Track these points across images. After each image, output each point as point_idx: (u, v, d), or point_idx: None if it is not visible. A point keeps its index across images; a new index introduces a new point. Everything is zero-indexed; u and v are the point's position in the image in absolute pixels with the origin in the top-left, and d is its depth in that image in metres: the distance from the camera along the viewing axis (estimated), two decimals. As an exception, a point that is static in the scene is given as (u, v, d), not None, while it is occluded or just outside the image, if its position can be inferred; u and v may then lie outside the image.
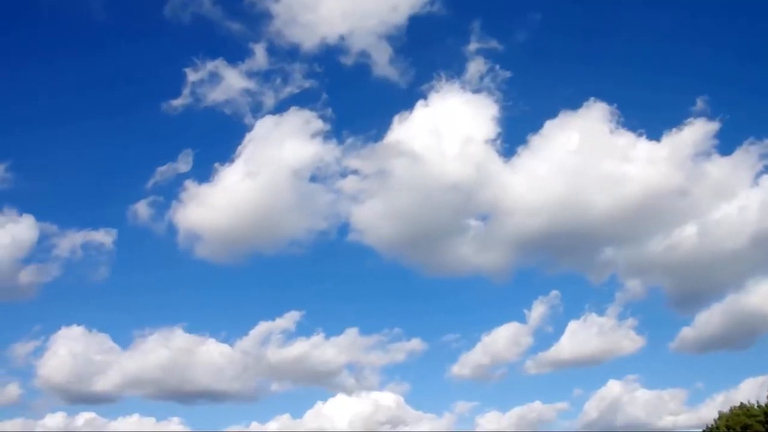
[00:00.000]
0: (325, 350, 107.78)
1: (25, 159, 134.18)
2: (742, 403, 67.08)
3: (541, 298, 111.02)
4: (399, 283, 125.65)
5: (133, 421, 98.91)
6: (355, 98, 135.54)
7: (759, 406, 65.08)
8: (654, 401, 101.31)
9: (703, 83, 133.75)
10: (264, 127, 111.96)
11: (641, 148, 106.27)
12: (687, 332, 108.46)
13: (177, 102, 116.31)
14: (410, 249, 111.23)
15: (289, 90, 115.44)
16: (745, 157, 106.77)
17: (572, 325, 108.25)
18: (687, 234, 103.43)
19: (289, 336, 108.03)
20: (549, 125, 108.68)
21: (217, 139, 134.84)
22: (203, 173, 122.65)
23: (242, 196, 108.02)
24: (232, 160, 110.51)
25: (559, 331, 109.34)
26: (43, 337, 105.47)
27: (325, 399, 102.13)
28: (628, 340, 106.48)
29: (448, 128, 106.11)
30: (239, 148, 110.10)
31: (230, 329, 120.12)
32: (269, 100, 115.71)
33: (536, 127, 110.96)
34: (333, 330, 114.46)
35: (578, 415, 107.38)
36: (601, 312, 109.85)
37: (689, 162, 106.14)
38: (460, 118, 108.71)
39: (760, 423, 62.53)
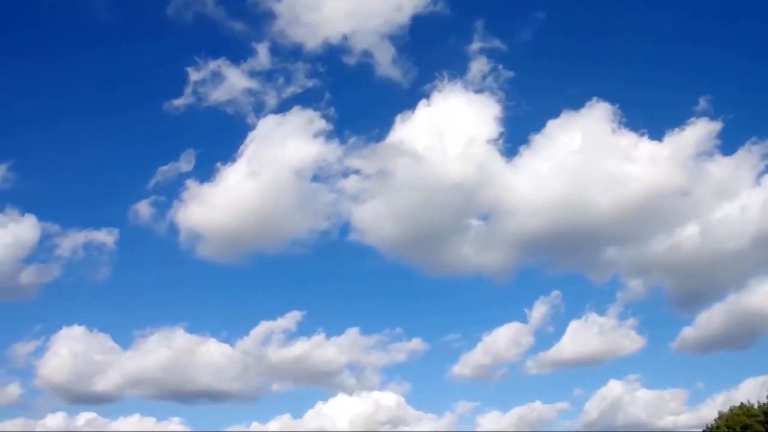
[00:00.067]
0: (326, 350, 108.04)
1: (27, 159, 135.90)
2: (742, 403, 66.87)
3: (542, 297, 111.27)
4: (400, 282, 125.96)
5: (134, 421, 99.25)
6: (358, 98, 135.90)
7: (759, 406, 64.96)
8: (655, 401, 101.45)
9: (706, 83, 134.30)
10: (266, 126, 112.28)
11: (643, 147, 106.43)
12: (688, 332, 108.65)
13: (179, 101, 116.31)
14: (412, 249, 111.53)
15: (291, 90, 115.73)
16: (747, 157, 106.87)
17: (573, 325, 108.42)
18: (689, 234, 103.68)
19: (290, 336, 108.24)
20: (551, 125, 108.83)
21: (219, 138, 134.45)
22: (205, 173, 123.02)
23: (244, 196, 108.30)
24: (233, 160, 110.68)
25: (560, 331, 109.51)
26: (43, 337, 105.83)
27: (325, 399, 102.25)
28: (629, 340, 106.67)
29: (450, 128, 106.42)
30: (241, 147, 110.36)
31: (231, 329, 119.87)
32: (272, 100, 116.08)
33: (538, 126, 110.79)
34: (334, 330, 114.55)
35: (579, 415, 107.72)
36: (602, 312, 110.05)
37: (691, 162, 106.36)
38: (462, 117, 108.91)
39: (760, 423, 62.40)
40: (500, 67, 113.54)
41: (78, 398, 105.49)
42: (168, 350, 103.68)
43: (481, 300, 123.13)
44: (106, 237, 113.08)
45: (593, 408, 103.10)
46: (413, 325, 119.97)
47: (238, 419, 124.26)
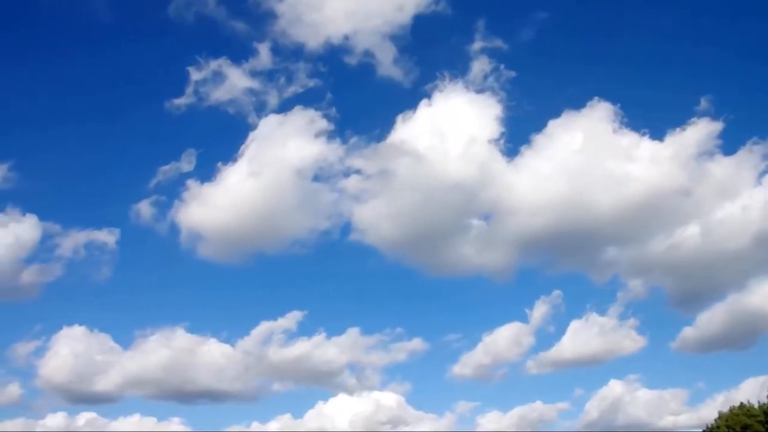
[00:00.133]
0: (327, 350, 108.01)
1: (28, 158, 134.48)
2: (741, 403, 66.89)
3: (543, 297, 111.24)
4: (401, 282, 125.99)
5: (134, 421, 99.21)
6: (359, 98, 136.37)
7: (759, 406, 64.86)
8: (655, 401, 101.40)
9: (707, 83, 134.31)
10: (268, 126, 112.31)
11: (644, 147, 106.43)
12: (688, 332, 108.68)
13: (180, 101, 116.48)
14: (412, 249, 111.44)
15: (293, 89, 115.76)
16: (749, 156, 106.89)
17: (574, 325, 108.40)
18: (689, 234, 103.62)
19: (291, 336, 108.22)
20: (552, 125, 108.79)
21: (220, 138, 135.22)
22: (206, 173, 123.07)
23: (245, 196, 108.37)
24: (234, 160, 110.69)
25: (561, 331, 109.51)
26: (44, 337, 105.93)
27: (326, 399, 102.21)
28: (630, 340, 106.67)
29: (451, 128, 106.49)
30: (242, 147, 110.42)
31: (232, 329, 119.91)
32: (273, 100, 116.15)
33: (540, 126, 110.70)
34: (335, 330, 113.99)
35: (579, 415, 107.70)
36: (602, 312, 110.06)
37: (692, 162, 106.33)
38: (463, 117, 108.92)
39: (759, 423, 62.36)
40: (502, 66, 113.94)
41: (78, 398, 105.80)
42: (168, 350, 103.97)
43: (482, 300, 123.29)
44: (107, 237, 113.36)
45: (594, 408, 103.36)
46: (414, 325, 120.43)
47: (238, 419, 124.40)
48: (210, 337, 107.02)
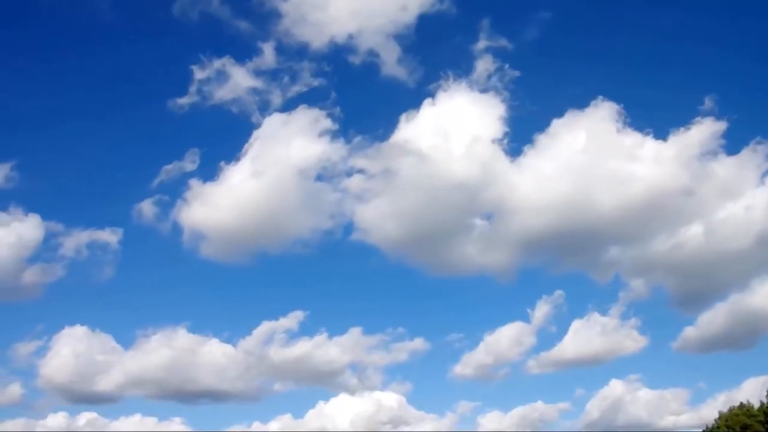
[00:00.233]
0: (328, 350, 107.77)
1: (31, 158, 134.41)
2: (741, 403, 66.72)
3: (545, 297, 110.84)
4: (403, 282, 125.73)
5: (135, 421, 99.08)
6: (363, 97, 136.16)
7: (760, 406, 64.62)
8: (656, 401, 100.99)
9: (711, 83, 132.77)
10: (271, 125, 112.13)
11: (648, 147, 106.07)
12: (690, 332, 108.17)
13: (183, 100, 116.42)
14: (415, 248, 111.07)
15: (297, 89, 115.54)
16: (752, 156, 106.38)
17: (575, 325, 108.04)
18: (692, 233, 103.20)
19: (293, 336, 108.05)
20: (556, 124, 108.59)
21: (224, 137, 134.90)
22: (209, 172, 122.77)
23: (248, 195, 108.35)
24: (237, 159, 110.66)
25: (563, 331, 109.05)
26: (45, 337, 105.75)
27: (327, 399, 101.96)
28: (631, 340, 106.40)
29: (454, 127, 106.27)
30: (245, 146, 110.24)
31: (233, 329, 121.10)
32: (277, 99, 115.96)
33: (543, 126, 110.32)
34: (336, 329, 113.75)
35: (580, 415, 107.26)
36: (604, 312, 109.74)
37: (695, 162, 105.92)
38: (467, 117, 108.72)
39: (759, 423, 62.15)
40: (506, 66, 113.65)
41: (79, 398, 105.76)
42: (170, 350, 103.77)
43: (484, 299, 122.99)
44: (109, 236, 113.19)
45: (594, 408, 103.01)
46: (416, 325, 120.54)
47: (239, 419, 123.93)
48: (211, 337, 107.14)
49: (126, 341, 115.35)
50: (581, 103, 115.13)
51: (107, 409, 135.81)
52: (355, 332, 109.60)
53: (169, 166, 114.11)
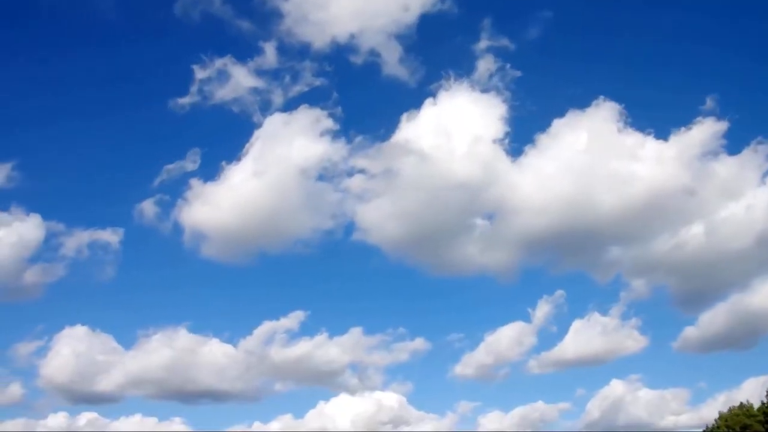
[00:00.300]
0: (329, 350, 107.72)
1: (32, 158, 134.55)
2: (741, 403, 66.65)
3: (545, 297, 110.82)
4: (404, 282, 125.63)
5: (135, 421, 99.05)
6: (365, 97, 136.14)
7: (759, 406, 64.55)
8: (656, 401, 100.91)
9: (712, 83, 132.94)
10: (273, 124, 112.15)
11: (649, 147, 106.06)
12: (690, 332, 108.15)
13: (184, 100, 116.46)
14: (416, 248, 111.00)
15: (298, 88, 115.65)
16: (753, 156, 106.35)
17: (576, 325, 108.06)
18: (693, 233, 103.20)
19: (293, 336, 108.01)
20: (557, 124, 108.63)
21: (225, 137, 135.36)
22: (210, 172, 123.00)
23: (249, 195, 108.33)
24: (239, 159, 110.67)
25: (563, 331, 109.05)
26: (46, 337, 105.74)
27: (327, 399, 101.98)
28: (632, 340, 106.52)
29: (456, 127, 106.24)
30: (246, 146, 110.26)
31: (234, 329, 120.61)
32: (278, 99, 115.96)
33: (544, 126, 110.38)
34: (337, 329, 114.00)
35: (580, 414, 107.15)
36: (604, 312, 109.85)
37: (696, 161, 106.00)
38: (468, 117, 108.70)
39: (759, 423, 62.10)
40: (508, 66, 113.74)
41: (80, 398, 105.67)
42: (170, 350, 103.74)
43: (485, 299, 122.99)
44: (111, 236, 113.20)
45: (595, 408, 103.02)
46: (416, 325, 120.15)
47: (239, 419, 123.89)
48: (212, 337, 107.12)
49: (127, 341, 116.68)
50: (582, 103, 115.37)
51: (108, 409, 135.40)
52: (355, 332, 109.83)
53: (170, 166, 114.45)
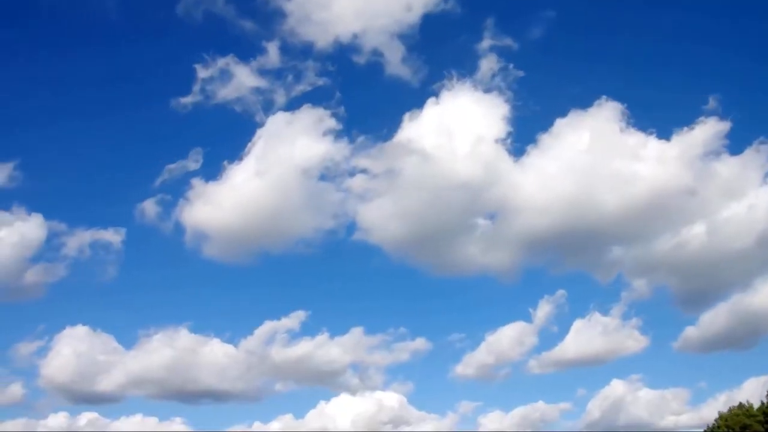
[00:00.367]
0: (330, 350, 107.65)
1: (34, 157, 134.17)
2: (741, 403, 66.45)
3: (547, 297, 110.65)
4: (405, 282, 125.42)
5: (136, 421, 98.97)
6: (367, 97, 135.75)
7: (759, 406, 64.41)
8: (657, 401, 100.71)
9: (715, 83, 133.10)
10: (275, 124, 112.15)
11: (651, 147, 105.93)
12: (691, 332, 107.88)
13: (187, 99, 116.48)
14: (417, 248, 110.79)
15: (301, 88, 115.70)
16: (755, 156, 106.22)
17: (577, 325, 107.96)
18: (695, 233, 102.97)
19: (294, 336, 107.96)
20: (559, 124, 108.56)
21: (227, 137, 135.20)
22: (212, 172, 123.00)
23: (250, 195, 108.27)
24: (241, 159, 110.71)
25: (564, 331, 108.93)
26: (47, 337, 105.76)
27: (328, 399, 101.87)
28: (632, 340, 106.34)
29: (458, 127, 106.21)
30: (249, 146, 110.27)
31: (235, 329, 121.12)
32: (281, 98, 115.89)
33: (546, 126, 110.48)
34: (338, 329, 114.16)
35: (581, 414, 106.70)
36: (605, 311, 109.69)
37: (699, 161, 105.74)
38: (470, 117, 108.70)
39: (759, 423, 61.94)
40: (510, 66, 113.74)
41: (80, 398, 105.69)
42: (171, 350, 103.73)
43: (486, 299, 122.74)
44: (112, 236, 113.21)
45: (595, 408, 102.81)
46: (417, 325, 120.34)
47: (240, 419, 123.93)
48: (213, 337, 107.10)
49: (127, 341, 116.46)
50: (585, 102, 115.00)
51: (108, 409, 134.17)
52: (356, 332, 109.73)
53: (172, 166, 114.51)
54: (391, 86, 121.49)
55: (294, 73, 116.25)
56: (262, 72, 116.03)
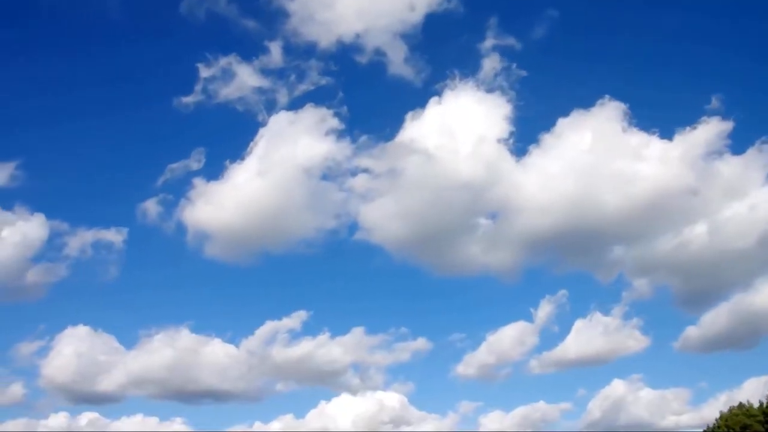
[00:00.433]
0: (331, 349, 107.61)
1: (36, 157, 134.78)
2: (741, 403, 66.35)
3: (548, 297, 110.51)
4: (407, 282, 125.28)
5: (137, 421, 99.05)
6: (370, 96, 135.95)
7: (759, 406, 64.29)
8: (657, 401, 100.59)
9: (717, 82, 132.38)
10: (278, 123, 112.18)
11: (653, 147, 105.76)
12: (692, 331, 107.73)
13: (189, 99, 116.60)
14: (419, 248, 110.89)
15: (304, 87, 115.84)
16: (757, 156, 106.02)
17: (578, 325, 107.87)
18: (697, 233, 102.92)
19: (295, 335, 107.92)
20: (561, 124, 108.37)
21: (229, 136, 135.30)
22: (214, 171, 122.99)
23: (252, 195, 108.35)
24: (243, 158, 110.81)
25: (565, 331, 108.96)
26: (48, 337, 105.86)
27: (329, 399, 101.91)
28: (633, 340, 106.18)
29: (460, 127, 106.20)
30: (251, 145, 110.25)
31: (236, 329, 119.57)
32: (283, 98, 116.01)
33: (549, 125, 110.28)
34: (339, 329, 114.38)
35: (582, 414, 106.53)
36: (606, 311, 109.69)
37: (701, 161, 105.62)
38: (473, 116, 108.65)
39: (759, 423, 61.83)
40: (513, 65, 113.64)
41: (81, 398, 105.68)
42: (172, 350, 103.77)
43: (488, 299, 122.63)
44: (114, 236, 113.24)
45: (596, 408, 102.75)
46: (419, 325, 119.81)
47: (240, 419, 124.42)
48: (214, 337, 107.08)
49: (128, 341, 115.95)
50: (587, 102, 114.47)
51: (109, 409, 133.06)
52: (357, 332, 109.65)
53: (174, 165, 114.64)
54: (393, 86, 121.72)
55: (296, 73, 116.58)
56: (265, 71, 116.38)
